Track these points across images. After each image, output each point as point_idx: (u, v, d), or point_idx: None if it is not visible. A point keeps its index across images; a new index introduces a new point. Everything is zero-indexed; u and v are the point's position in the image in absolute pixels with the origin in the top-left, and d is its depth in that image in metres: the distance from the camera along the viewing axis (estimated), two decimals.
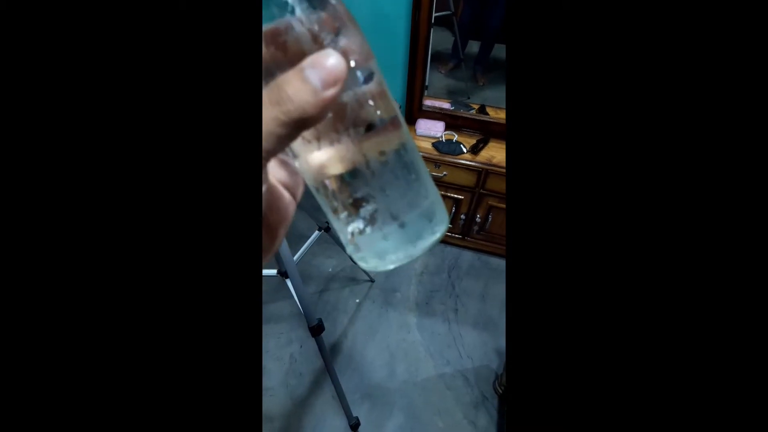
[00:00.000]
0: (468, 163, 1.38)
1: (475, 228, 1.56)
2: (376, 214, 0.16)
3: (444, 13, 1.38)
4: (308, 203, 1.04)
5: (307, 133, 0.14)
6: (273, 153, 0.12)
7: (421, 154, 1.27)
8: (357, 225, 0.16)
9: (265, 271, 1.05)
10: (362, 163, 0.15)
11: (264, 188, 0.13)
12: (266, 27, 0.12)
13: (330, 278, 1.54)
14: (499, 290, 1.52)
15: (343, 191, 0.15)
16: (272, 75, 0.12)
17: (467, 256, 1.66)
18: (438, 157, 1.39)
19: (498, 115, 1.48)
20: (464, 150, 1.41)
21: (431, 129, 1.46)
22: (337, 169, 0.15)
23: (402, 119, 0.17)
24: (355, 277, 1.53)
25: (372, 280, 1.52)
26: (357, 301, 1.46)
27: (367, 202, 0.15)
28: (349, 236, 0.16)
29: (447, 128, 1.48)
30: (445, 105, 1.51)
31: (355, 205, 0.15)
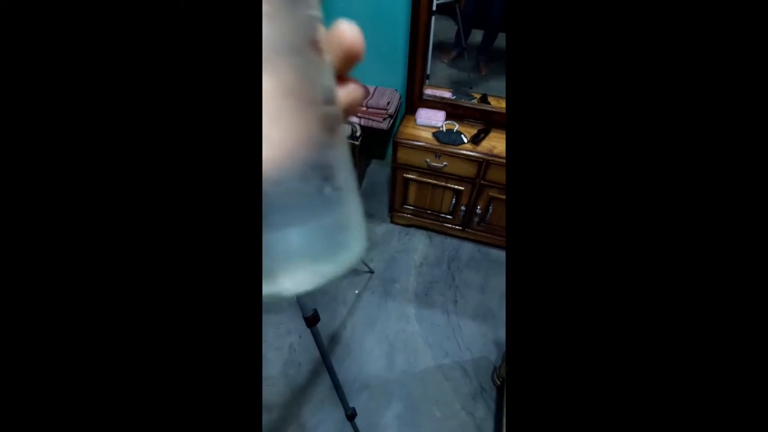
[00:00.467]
0: (469, 153, 1.36)
1: (476, 219, 1.55)
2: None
3: (447, 0, 1.35)
4: None
5: None
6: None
7: (421, 143, 1.25)
8: None
9: None
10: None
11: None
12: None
13: None
14: (499, 282, 1.52)
15: None
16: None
17: (467, 247, 1.65)
18: (438, 147, 1.38)
19: (500, 104, 1.46)
20: (465, 140, 1.39)
21: (432, 118, 1.44)
22: None
23: None
24: (354, 269, 1.53)
25: (372, 272, 1.52)
26: (356, 292, 1.46)
27: None
28: None
29: (448, 118, 1.46)
30: (446, 94, 1.49)
31: None
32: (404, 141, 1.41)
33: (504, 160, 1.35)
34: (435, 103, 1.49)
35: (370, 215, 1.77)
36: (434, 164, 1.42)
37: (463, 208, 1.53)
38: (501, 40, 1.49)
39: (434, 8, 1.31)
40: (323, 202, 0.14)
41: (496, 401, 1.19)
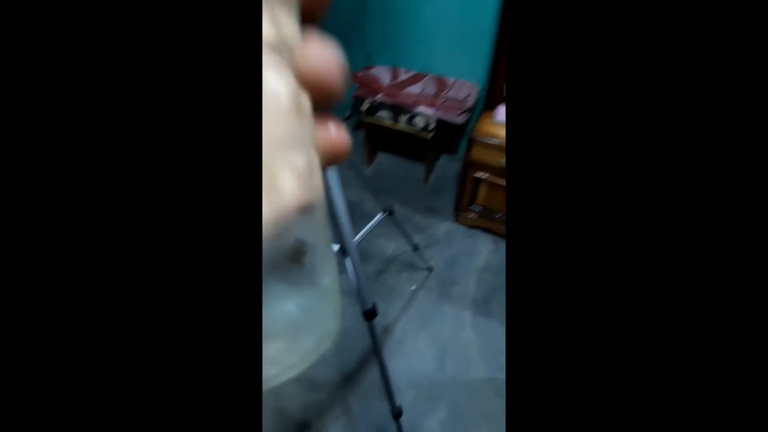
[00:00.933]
0: None
1: None
2: None
3: None
4: (375, 185, 1.03)
5: None
6: None
7: (498, 142, 1.18)
8: None
9: None
10: None
11: None
12: None
13: (389, 260, 1.53)
14: None
15: None
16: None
17: None
18: None
19: None
20: None
21: None
22: None
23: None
24: (413, 263, 1.51)
25: (430, 269, 1.49)
26: (413, 287, 1.44)
27: None
28: None
29: None
30: None
31: None
32: (480, 138, 1.33)
33: None
34: None
35: (434, 211, 1.73)
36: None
37: None
38: None
39: None
40: (288, 280, 0.12)
41: None
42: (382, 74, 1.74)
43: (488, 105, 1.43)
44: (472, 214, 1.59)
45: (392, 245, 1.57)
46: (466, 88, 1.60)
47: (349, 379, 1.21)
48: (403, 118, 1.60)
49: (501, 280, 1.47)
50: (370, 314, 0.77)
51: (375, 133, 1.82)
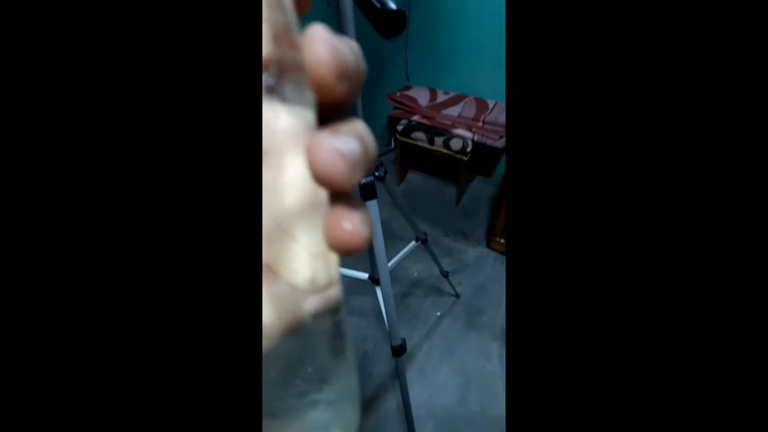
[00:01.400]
0: None
1: None
2: None
3: None
4: (405, 205, 1.01)
5: None
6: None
7: None
8: None
9: (357, 273, 1.06)
10: None
11: None
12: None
13: (415, 283, 1.49)
14: None
15: None
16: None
17: None
18: None
19: None
20: None
21: None
22: None
23: None
24: (440, 289, 1.46)
25: (458, 296, 1.43)
26: (438, 314, 1.39)
27: None
28: None
29: None
30: None
31: None
32: None
33: None
34: None
35: (464, 235, 1.68)
36: None
37: None
38: None
39: None
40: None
41: None
42: (420, 95, 1.75)
43: None
44: (505, 241, 1.53)
45: (419, 267, 1.53)
46: None
47: (365, 404, 1.16)
48: (439, 140, 1.59)
49: None
50: (399, 350, 0.73)
51: (408, 153, 1.82)
